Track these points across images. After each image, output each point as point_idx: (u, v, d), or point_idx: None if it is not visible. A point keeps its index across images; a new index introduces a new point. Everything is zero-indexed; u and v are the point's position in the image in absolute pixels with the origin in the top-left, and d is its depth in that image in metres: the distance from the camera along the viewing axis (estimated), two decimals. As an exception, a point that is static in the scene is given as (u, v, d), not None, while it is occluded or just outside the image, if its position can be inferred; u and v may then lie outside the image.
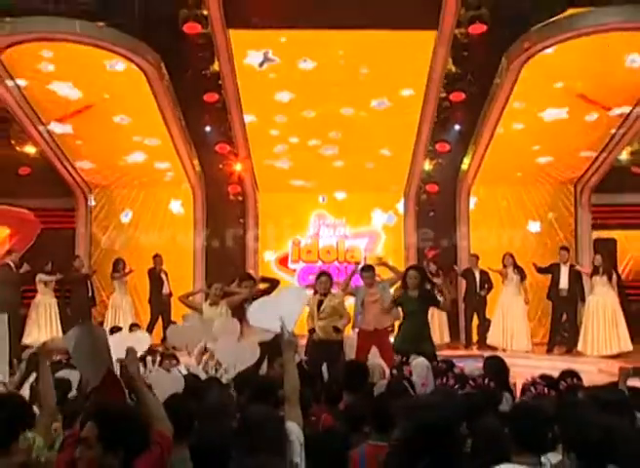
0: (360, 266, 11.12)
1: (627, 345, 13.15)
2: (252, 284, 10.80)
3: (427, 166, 15.55)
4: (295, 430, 4.23)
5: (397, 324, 10.14)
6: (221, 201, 16.06)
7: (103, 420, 3.46)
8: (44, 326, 13.67)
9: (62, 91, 13.25)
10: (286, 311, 5.56)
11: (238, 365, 7.96)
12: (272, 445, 3.78)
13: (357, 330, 10.42)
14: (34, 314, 13.89)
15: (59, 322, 13.90)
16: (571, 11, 12.46)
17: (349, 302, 10.97)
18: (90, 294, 14.56)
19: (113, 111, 13.84)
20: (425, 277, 9.90)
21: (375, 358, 9.44)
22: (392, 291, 10.29)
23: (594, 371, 11.38)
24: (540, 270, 14.11)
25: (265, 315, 6.07)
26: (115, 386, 4.28)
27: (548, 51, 12.21)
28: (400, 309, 9.86)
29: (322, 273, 10.47)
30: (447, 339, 14.23)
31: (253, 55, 12.93)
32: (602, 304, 13.39)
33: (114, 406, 3.80)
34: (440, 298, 9.86)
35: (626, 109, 13.43)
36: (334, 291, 10.28)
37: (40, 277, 13.99)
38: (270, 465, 3.19)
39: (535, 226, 15.54)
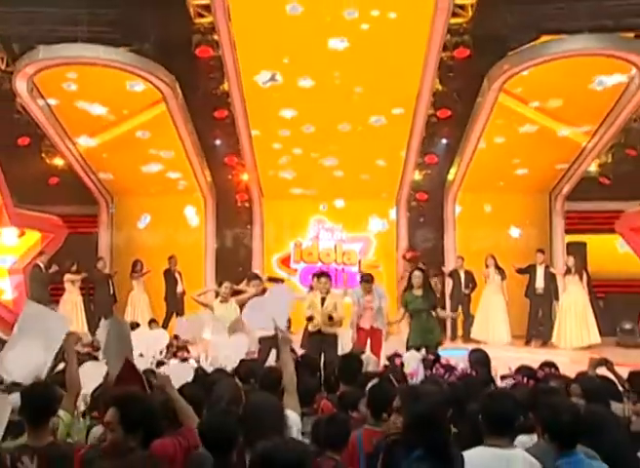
0: (360, 276, 11.19)
1: (596, 338, 13.33)
2: (259, 282, 10.77)
3: (417, 176, 15.57)
4: (293, 417, 4.31)
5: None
6: (230, 207, 16.05)
7: (124, 406, 3.58)
8: (71, 322, 13.57)
9: (88, 109, 13.43)
10: (276, 311, 5.65)
11: (231, 356, 7.97)
12: (273, 429, 3.76)
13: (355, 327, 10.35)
14: (62, 310, 13.68)
15: (84, 317, 14.06)
16: (543, 38, 12.74)
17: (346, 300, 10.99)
18: (111, 292, 14.68)
19: (133, 127, 13.94)
20: (428, 278, 10.06)
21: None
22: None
23: (567, 362, 11.32)
24: (519, 271, 14.14)
25: (258, 316, 6.16)
26: (134, 376, 4.39)
27: (524, 73, 12.44)
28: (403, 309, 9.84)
29: (322, 273, 10.35)
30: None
31: (261, 74, 12.94)
32: (574, 301, 13.55)
33: (133, 393, 3.90)
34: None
35: (594, 126, 13.61)
36: (334, 291, 10.19)
37: (68, 277, 14.20)
38: (286, 445, 3.05)
39: (515, 232, 15.56)
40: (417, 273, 9.82)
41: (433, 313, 9.84)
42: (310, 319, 9.72)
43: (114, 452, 3.46)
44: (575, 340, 13.38)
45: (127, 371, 4.41)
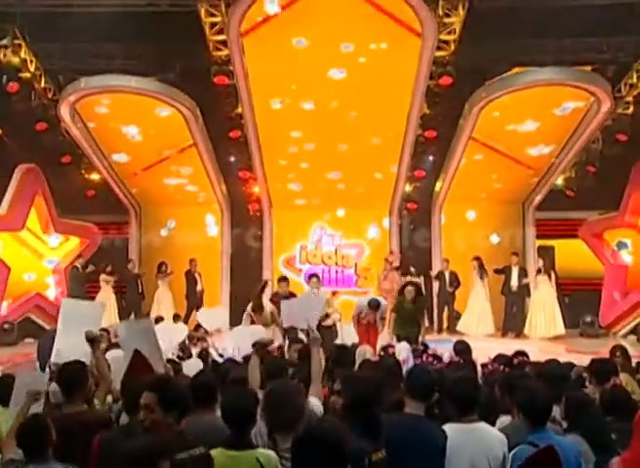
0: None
1: (562, 330, 13.49)
2: (286, 284, 10.72)
3: (408, 188, 15.56)
4: (315, 403, 4.34)
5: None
6: (243, 216, 16.05)
7: (161, 390, 3.55)
8: (105, 316, 13.76)
9: (121, 131, 13.56)
10: (309, 314, 5.91)
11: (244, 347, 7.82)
12: (293, 413, 3.74)
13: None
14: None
15: (116, 312, 14.18)
16: (515, 70, 13.03)
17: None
18: (140, 291, 14.76)
19: (159, 146, 14.08)
20: (420, 290, 10.16)
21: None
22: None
23: (537, 351, 10.67)
24: (496, 271, 14.20)
25: (293, 315, 6.51)
26: (143, 366, 4.37)
27: (500, 99, 12.45)
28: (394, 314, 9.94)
29: (313, 275, 10.76)
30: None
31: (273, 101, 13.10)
32: (543, 298, 13.61)
33: (167, 378, 3.94)
34: None
35: (560, 146, 13.71)
36: (323, 289, 10.51)
37: (103, 277, 14.34)
38: (326, 425, 2.92)
39: (494, 237, 15.53)
40: (409, 289, 9.90)
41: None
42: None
43: (155, 430, 3.47)
44: (544, 332, 13.47)
45: (137, 362, 4.41)
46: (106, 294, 14.28)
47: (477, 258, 14.35)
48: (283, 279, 11.21)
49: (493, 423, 4.27)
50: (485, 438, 3.82)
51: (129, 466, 3.08)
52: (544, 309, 13.60)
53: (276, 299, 9.79)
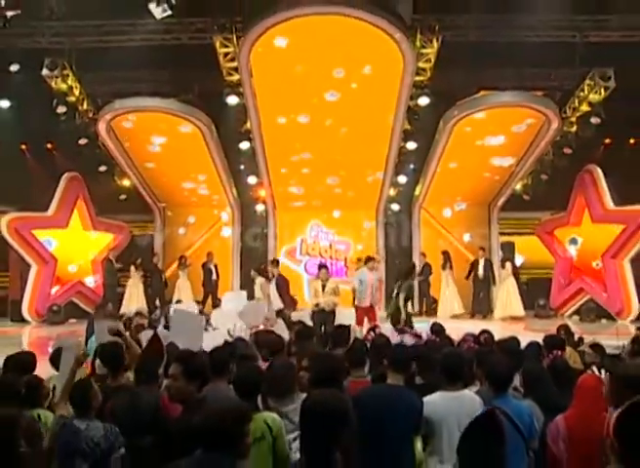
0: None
1: (521, 311, 13.59)
2: (277, 266, 11.39)
3: (392, 192, 15.54)
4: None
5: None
6: (251, 216, 16.02)
7: (185, 362, 3.56)
8: (135, 301, 13.84)
9: (148, 144, 13.68)
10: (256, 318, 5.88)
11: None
12: (288, 385, 3.78)
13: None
14: (128, 293, 14.20)
15: (144, 298, 14.17)
16: (482, 93, 13.12)
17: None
18: (163, 280, 14.69)
19: (180, 156, 14.09)
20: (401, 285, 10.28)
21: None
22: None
23: (499, 329, 10.55)
24: (469, 273, 14.21)
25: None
26: (158, 345, 4.38)
27: (469, 117, 12.65)
28: None
29: (323, 266, 10.67)
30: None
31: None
32: (505, 285, 13.72)
33: (191, 352, 3.86)
34: None
35: (519, 157, 13.90)
36: (331, 279, 10.37)
37: (132, 269, 14.33)
38: (332, 396, 2.91)
39: (465, 234, 15.53)
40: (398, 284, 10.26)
41: (401, 302, 10.20)
42: (317, 305, 9.90)
43: (179, 397, 3.48)
44: (505, 313, 13.59)
45: (154, 341, 4.40)
46: (135, 282, 14.34)
47: (444, 252, 14.36)
48: (275, 261, 11.78)
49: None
50: (468, 402, 3.83)
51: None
52: (507, 294, 13.69)
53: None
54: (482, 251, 14.39)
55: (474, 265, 14.29)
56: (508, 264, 13.87)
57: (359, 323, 9.78)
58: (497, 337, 6.29)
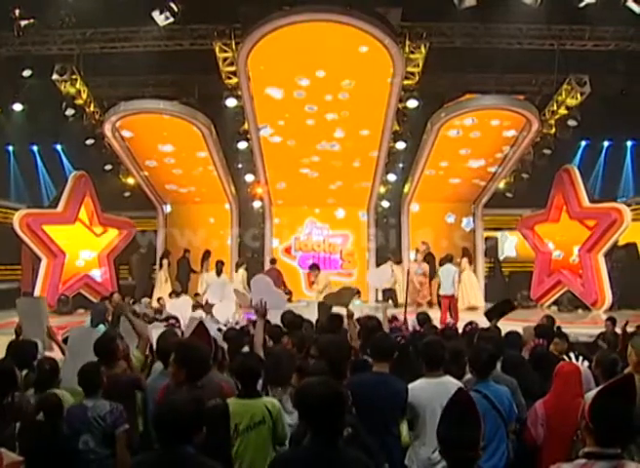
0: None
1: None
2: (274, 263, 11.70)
3: (382, 189, 15.50)
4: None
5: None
6: (248, 212, 15.90)
7: (181, 352, 3.58)
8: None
9: (151, 144, 13.58)
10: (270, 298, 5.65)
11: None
12: (287, 370, 3.85)
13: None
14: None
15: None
16: (467, 96, 13.17)
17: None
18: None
19: (181, 156, 13.97)
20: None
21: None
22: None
23: (484, 320, 11.03)
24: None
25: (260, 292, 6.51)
26: (204, 334, 4.16)
27: (462, 118, 12.59)
28: None
29: (314, 265, 10.86)
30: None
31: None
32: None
33: (196, 344, 3.80)
34: None
35: (502, 157, 13.87)
36: (322, 273, 10.63)
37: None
38: (324, 382, 2.75)
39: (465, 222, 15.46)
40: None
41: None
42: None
43: (182, 384, 3.48)
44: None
45: (199, 331, 4.21)
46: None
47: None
48: (273, 261, 12.56)
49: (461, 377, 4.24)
50: (450, 387, 3.65)
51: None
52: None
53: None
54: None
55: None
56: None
57: (444, 312, 10.47)
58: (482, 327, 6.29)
